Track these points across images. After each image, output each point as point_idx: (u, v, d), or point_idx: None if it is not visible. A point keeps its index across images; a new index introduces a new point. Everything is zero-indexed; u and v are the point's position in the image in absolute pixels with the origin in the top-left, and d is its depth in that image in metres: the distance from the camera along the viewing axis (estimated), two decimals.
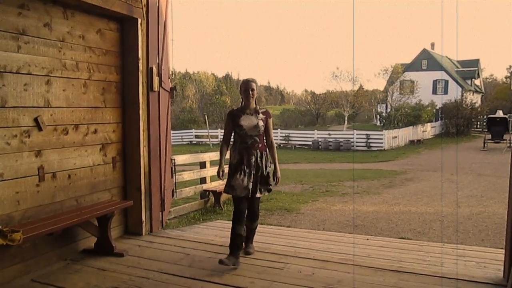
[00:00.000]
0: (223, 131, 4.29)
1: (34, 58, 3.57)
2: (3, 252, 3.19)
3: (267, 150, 4.03)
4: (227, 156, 4.08)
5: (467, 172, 14.45)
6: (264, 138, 4.02)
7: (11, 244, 3.00)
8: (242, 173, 3.88)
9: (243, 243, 4.01)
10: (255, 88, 3.97)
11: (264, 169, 3.94)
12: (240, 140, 3.94)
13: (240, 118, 3.92)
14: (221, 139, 4.15)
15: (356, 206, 8.75)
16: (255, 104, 4.03)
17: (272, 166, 4.07)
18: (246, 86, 3.97)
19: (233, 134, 4.02)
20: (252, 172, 3.88)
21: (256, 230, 4.22)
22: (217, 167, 4.07)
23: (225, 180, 4.03)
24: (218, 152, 4.12)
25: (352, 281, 3.38)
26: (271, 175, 4.01)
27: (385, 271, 3.59)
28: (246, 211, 3.97)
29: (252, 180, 3.87)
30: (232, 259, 3.74)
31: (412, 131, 28.82)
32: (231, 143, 4.07)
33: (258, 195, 3.95)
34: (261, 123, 3.94)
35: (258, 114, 3.98)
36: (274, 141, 4.14)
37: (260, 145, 3.96)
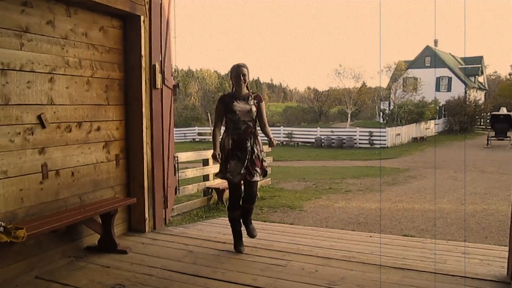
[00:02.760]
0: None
1: (37, 55, 3.57)
2: (7, 249, 3.19)
3: (262, 132, 4.03)
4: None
5: (471, 169, 14.41)
6: (257, 122, 4.00)
7: (15, 241, 3.01)
8: (236, 158, 3.90)
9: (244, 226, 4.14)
10: (246, 73, 3.93)
11: (258, 153, 3.95)
12: (233, 126, 3.92)
13: (233, 104, 3.89)
14: (213, 125, 4.11)
15: (359, 203, 8.74)
16: (247, 89, 4.00)
17: (264, 153, 4.10)
18: (237, 72, 3.92)
19: (224, 119, 3.99)
20: (247, 157, 3.89)
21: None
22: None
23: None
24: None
25: (355, 278, 3.38)
26: (265, 158, 4.04)
27: (389, 268, 3.59)
28: (242, 195, 4.05)
29: (245, 165, 3.89)
30: (241, 243, 4.05)
31: (415, 129, 28.74)
32: (223, 128, 4.04)
33: (255, 178, 3.93)
34: (253, 108, 3.92)
35: (250, 99, 3.96)
36: (268, 126, 4.13)
37: (254, 130, 3.95)
